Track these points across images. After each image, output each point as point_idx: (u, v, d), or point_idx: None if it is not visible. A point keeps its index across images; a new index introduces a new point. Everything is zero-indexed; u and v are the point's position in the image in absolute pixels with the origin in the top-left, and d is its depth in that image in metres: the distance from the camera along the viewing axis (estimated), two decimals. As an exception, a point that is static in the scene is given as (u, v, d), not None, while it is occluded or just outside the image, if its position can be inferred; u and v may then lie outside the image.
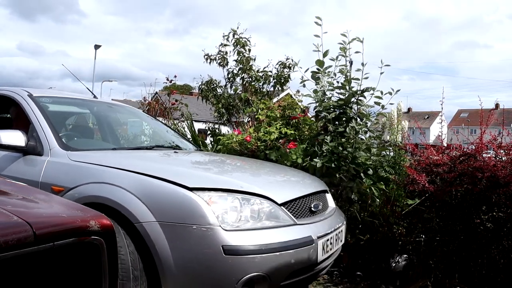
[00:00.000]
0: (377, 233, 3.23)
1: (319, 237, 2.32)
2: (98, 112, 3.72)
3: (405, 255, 3.22)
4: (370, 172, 3.31)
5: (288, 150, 3.53)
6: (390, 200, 3.26)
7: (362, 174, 3.26)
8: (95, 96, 3.81)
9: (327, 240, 2.42)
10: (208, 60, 5.81)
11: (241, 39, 5.53)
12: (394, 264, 3.20)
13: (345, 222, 2.83)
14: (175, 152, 3.13)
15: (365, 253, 3.28)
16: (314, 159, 3.30)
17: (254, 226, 2.13)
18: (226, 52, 5.74)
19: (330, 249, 2.48)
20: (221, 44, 5.72)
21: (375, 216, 3.28)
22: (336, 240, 2.56)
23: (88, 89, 3.91)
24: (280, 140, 3.74)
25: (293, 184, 2.72)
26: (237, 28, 5.55)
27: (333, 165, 3.25)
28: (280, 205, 2.26)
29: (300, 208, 2.41)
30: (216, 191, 2.14)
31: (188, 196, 2.07)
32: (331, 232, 2.49)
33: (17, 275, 1.15)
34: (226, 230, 2.02)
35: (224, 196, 2.14)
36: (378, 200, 3.23)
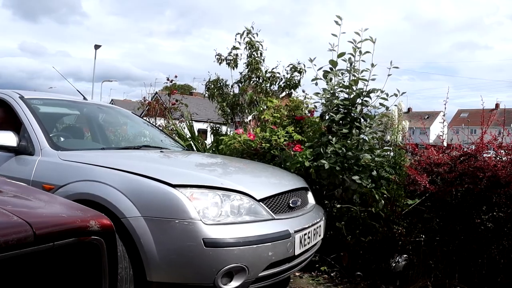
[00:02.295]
0: (377, 233, 3.23)
1: (296, 231, 2.46)
2: (88, 113, 3.84)
3: (405, 255, 3.22)
4: (374, 173, 3.30)
5: (292, 153, 3.52)
6: (390, 200, 3.26)
7: (361, 177, 3.24)
8: (85, 98, 3.92)
9: (305, 234, 2.56)
10: (219, 61, 5.83)
11: (253, 43, 5.53)
12: (394, 264, 3.20)
13: (324, 218, 2.96)
14: (161, 151, 3.25)
15: (365, 253, 3.28)
16: (321, 160, 3.29)
17: (234, 221, 2.27)
18: (237, 55, 5.76)
19: (308, 243, 2.61)
20: (234, 47, 5.74)
21: (375, 217, 3.27)
22: (314, 234, 2.71)
23: (78, 91, 4.02)
24: (284, 142, 3.73)
25: (272, 182, 2.85)
26: (252, 27, 5.53)
27: (337, 167, 3.25)
28: (258, 201, 2.40)
29: (278, 204, 2.55)
30: (197, 188, 2.28)
31: (171, 193, 2.20)
32: (309, 226, 2.63)
33: (17, 275, 1.15)
34: (206, 224, 2.16)
35: (205, 192, 2.28)
36: (380, 203, 3.23)
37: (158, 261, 2.13)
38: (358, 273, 3.24)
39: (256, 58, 5.54)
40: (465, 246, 2.99)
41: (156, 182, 2.26)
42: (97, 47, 26.85)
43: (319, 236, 2.83)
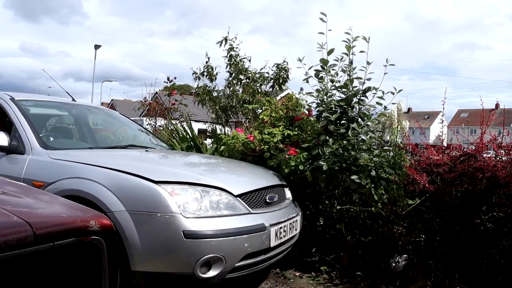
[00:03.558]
0: (377, 233, 3.23)
1: (272, 225, 2.64)
2: (77, 114, 3.99)
3: (405, 255, 3.22)
4: (373, 174, 3.29)
5: (287, 157, 3.51)
6: (390, 201, 3.26)
7: (360, 176, 3.24)
8: (74, 99, 4.09)
9: (281, 227, 2.74)
10: (197, 78, 6.04)
11: (232, 52, 5.66)
12: (394, 264, 3.20)
13: (300, 213, 3.16)
14: (146, 150, 3.40)
15: (365, 253, 3.28)
16: (320, 162, 3.28)
17: (213, 214, 2.44)
18: (213, 68, 5.94)
19: (284, 236, 2.79)
20: (206, 62, 5.98)
21: (375, 217, 3.27)
22: (290, 228, 2.89)
23: (67, 93, 4.18)
24: (281, 145, 3.72)
25: (250, 179, 3.00)
26: (228, 33, 5.67)
27: (336, 167, 3.25)
28: (236, 196, 2.58)
29: (255, 199, 2.73)
30: (178, 184, 2.44)
31: (153, 188, 2.36)
32: (285, 221, 2.81)
33: (17, 275, 1.15)
34: (186, 218, 2.32)
35: (186, 188, 2.44)
36: (379, 203, 3.22)
37: (141, 252, 2.28)
38: (358, 273, 3.24)
39: (238, 62, 5.63)
40: (465, 246, 2.99)
41: (140, 178, 2.41)
42: (97, 47, 26.83)
43: (296, 230, 3.01)
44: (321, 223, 3.60)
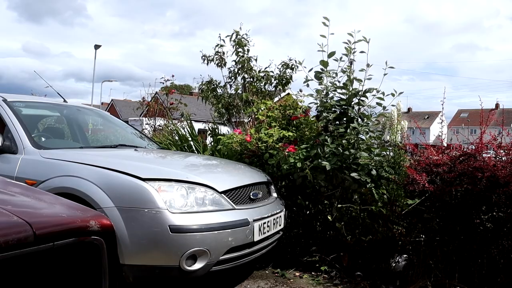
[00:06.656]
0: (377, 233, 3.23)
1: (255, 220, 2.75)
2: (67, 114, 4.09)
3: (405, 255, 3.22)
4: (374, 173, 3.30)
5: (286, 154, 3.51)
6: (390, 200, 3.26)
7: (360, 174, 3.24)
8: (65, 100, 4.20)
9: (264, 223, 2.85)
10: (206, 61, 5.81)
11: (241, 40, 5.53)
12: (394, 264, 3.20)
13: (284, 210, 3.28)
14: (135, 150, 3.51)
15: (365, 253, 3.28)
16: (323, 162, 3.28)
17: (198, 210, 2.55)
18: (224, 53, 5.74)
19: (267, 231, 2.90)
20: (218, 44, 5.74)
21: (375, 217, 3.27)
22: (274, 223, 3.01)
23: (59, 94, 4.30)
24: (280, 144, 3.72)
25: (235, 176, 3.10)
26: (240, 29, 5.56)
27: (336, 166, 3.25)
28: (220, 193, 2.68)
29: (239, 195, 2.83)
30: (165, 181, 2.54)
31: (141, 185, 2.47)
32: (269, 216, 2.92)
33: (17, 275, 1.15)
34: (172, 213, 2.42)
35: (172, 185, 2.55)
36: (379, 203, 3.22)
37: (130, 246, 2.38)
38: (358, 273, 3.24)
39: (245, 57, 5.53)
40: (465, 246, 2.99)
41: (128, 176, 2.51)
42: (97, 47, 26.78)
43: (280, 225, 3.12)
44: (321, 222, 3.60)
